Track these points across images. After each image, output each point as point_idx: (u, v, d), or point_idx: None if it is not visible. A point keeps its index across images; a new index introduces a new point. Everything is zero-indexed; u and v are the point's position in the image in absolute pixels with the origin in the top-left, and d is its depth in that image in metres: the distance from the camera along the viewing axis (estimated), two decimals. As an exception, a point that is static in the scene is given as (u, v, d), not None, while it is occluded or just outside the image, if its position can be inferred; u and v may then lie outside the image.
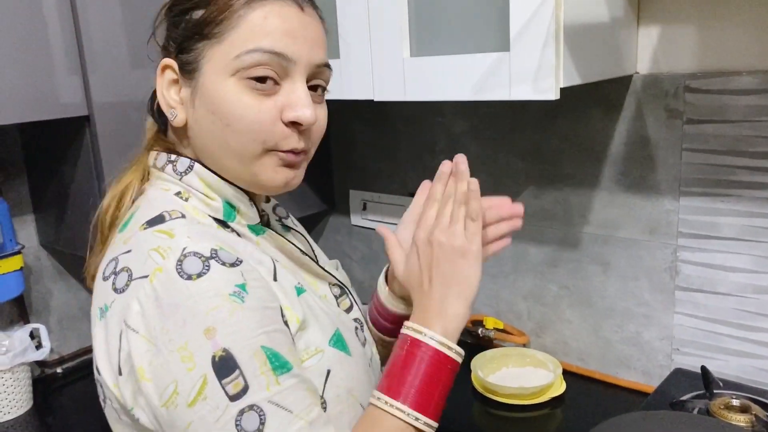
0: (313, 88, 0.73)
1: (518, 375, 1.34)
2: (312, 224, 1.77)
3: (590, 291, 1.33)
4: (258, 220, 0.78)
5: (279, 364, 0.63)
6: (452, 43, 1.06)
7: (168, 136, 0.76)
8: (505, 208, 0.81)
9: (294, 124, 0.69)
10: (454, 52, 1.05)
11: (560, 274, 1.37)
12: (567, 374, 1.33)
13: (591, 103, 1.25)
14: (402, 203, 1.58)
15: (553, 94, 0.95)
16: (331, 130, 1.69)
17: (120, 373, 0.63)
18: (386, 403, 0.69)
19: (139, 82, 1.25)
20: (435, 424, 0.70)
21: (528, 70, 0.96)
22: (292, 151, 0.71)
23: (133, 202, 0.75)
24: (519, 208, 0.81)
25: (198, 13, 0.69)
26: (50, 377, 1.51)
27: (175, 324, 0.60)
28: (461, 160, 0.79)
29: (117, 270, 0.65)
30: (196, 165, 0.72)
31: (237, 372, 0.60)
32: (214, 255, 0.63)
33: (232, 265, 0.64)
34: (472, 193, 0.77)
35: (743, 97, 1.09)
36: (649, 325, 1.27)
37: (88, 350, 1.58)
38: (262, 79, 0.67)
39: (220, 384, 0.60)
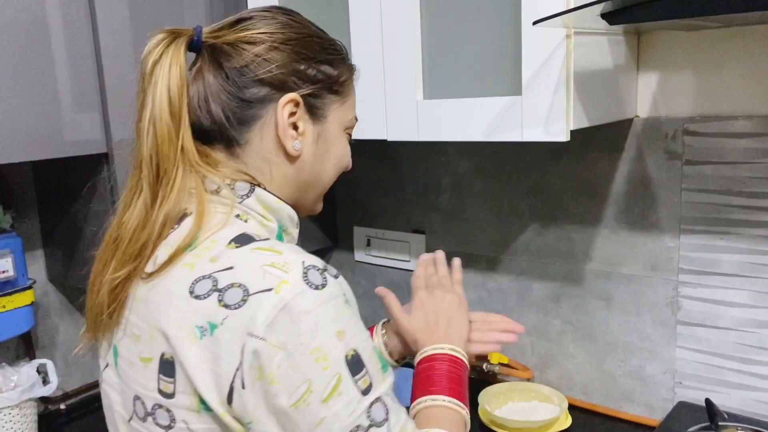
0: None
1: (524, 409, 1.36)
2: (315, 260, 1.79)
3: (593, 326, 1.37)
4: (297, 240, 0.84)
5: (383, 364, 0.72)
6: (465, 86, 1.11)
7: (235, 157, 0.77)
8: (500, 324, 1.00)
9: None
10: (468, 96, 1.10)
11: (564, 310, 1.40)
12: (571, 408, 1.36)
13: (594, 144, 1.30)
14: (406, 239, 1.61)
15: (564, 136, 1.00)
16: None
17: (243, 387, 0.64)
18: (433, 400, 0.82)
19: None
20: (466, 408, 0.84)
21: (540, 113, 1.01)
22: None
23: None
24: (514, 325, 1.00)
25: (329, 70, 0.79)
26: (54, 413, 1.50)
27: (306, 329, 0.63)
28: (439, 254, 1.05)
29: (221, 287, 0.65)
30: (257, 189, 0.76)
31: (364, 370, 0.67)
32: (325, 268, 0.69)
33: (335, 276, 0.69)
34: (455, 268, 1.03)
35: (739, 140, 1.15)
36: (651, 359, 1.30)
37: (92, 386, 1.58)
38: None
39: (353, 380, 0.66)
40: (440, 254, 1.05)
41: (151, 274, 0.70)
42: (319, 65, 0.78)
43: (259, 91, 0.74)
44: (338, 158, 0.83)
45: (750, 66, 1.13)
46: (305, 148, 0.78)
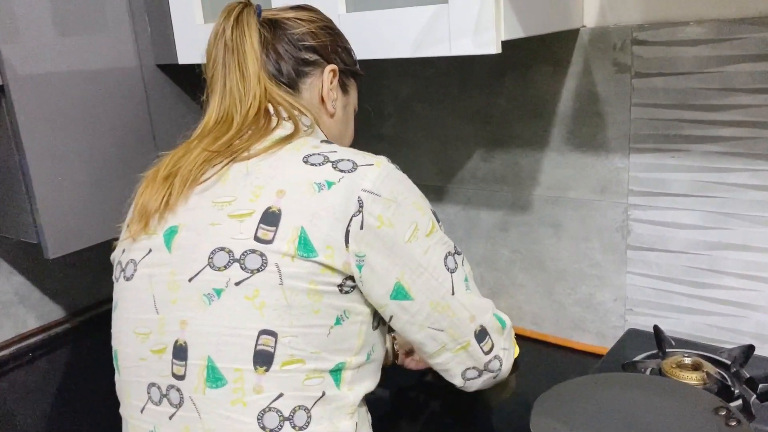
0: None
1: (472, 342, 1.31)
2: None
3: (542, 254, 1.31)
4: None
5: None
6: (389, -4, 1.00)
7: (295, 98, 0.94)
8: None
9: None
10: (392, 6, 0.99)
11: (512, 238, 1.34)
12: (521, 338, 1.31)
13: (538, 59, 1.21)
14: (350, 171, 1.52)
15: (495, 48, 0.91)
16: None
17: (361, 228, 0.79)
18: None
19: (62, 50, 1.17)
20: None
21: (468, 22, 0.91)
22: None
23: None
24: None
25: (352, 60, 1.01)
26: (-15, 366, 1.43)
27: (405, 189, 0.84)
28: None
29: (333, 160, 0.82)
30: (317, 126, 0.93)
31: (440, 222, 0.88)
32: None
33: None
34: None
35: (691, 48, 1.06)
36: (602, 286, 1.25)
37: (25, 337, 1.51)
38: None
39: (439, 225, 0.87)
40: None
41: (252, 155, 0.84)
42: (348, 54, 1.00)
43: (312, 56, 0.95)
44: (351, 131, 1.05)
45: (703, -35, 1.03)
46: (337, 110, 0.99)
